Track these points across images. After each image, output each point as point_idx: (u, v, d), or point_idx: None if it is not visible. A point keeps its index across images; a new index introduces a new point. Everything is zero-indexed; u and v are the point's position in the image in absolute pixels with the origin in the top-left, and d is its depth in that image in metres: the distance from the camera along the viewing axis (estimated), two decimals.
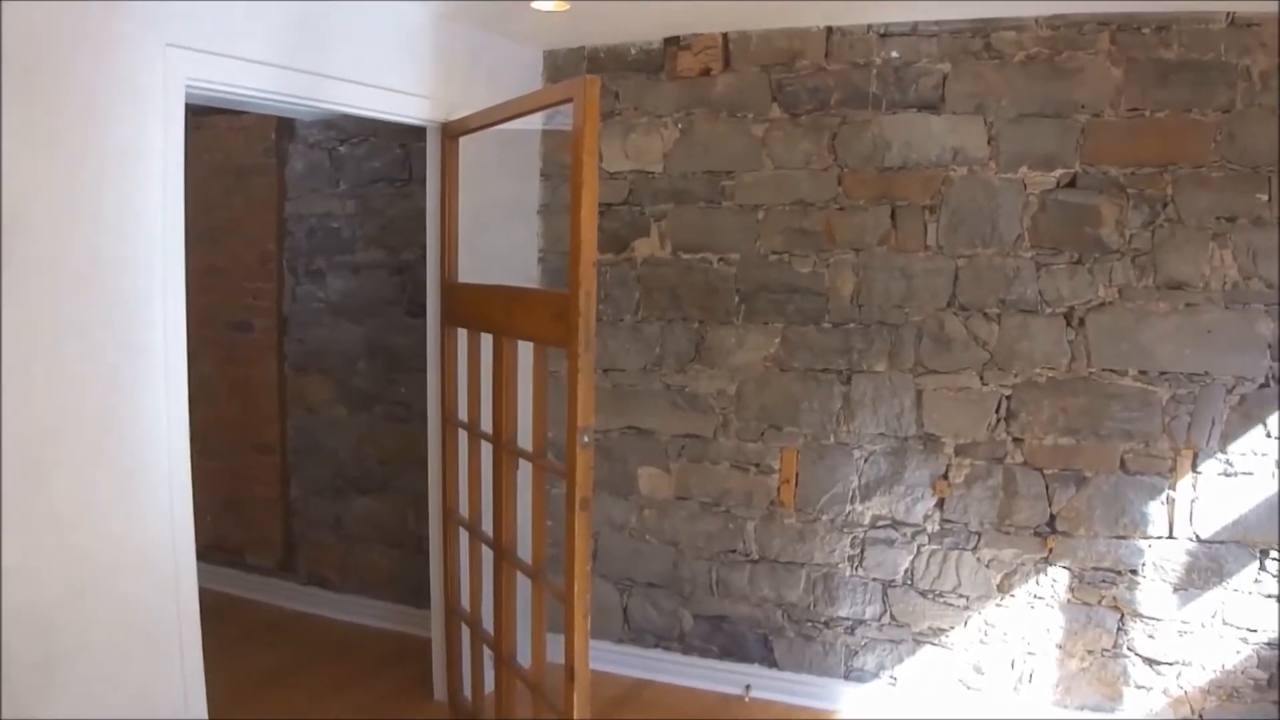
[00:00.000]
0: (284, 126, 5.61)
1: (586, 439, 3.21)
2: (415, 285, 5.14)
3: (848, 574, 4.57)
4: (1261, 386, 3.94)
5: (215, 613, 4.36)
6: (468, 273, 4.35)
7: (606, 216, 4.75)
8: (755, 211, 4.58)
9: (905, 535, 4.45)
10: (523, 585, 3.86)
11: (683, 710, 4.67)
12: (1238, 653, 4.05)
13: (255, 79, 3.47)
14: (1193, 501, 4.06)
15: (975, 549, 4.35)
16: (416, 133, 4.58)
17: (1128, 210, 4.05)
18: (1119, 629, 4.19)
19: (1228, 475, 4.01)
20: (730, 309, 4.65)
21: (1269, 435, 3.95)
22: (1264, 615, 4.00)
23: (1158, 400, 4.06)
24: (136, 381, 3.09)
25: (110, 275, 3.00)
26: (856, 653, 4.59)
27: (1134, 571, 4.14)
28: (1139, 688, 4.20)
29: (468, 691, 4.47)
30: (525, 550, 3.84)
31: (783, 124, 4.51)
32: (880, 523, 4.49)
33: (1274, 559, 3.97)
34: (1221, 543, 4.03)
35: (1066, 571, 4.23)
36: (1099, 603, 4.20)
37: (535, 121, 4.76)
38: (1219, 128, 3.94)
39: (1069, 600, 4.24)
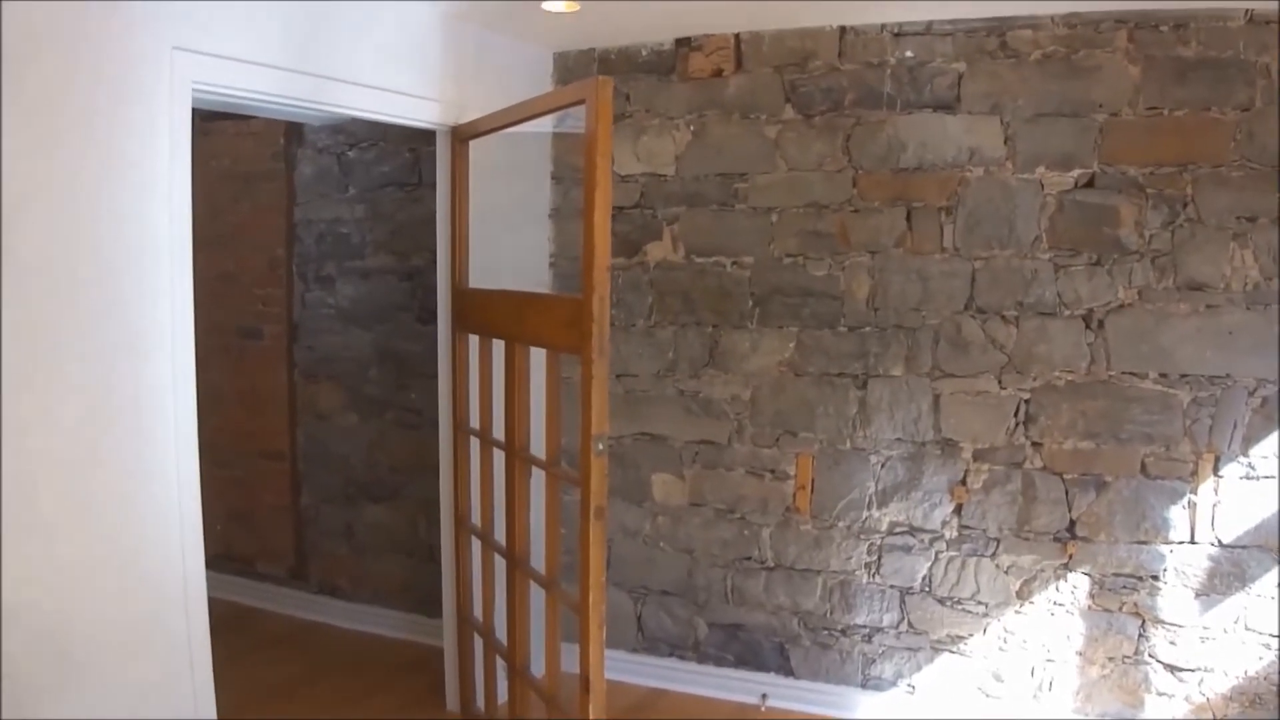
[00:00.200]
0: (292, 131, 5.58)
1: (601, 447, 3.16)
2: (425, 291, 5.10)
3: (865, 581, 4.52)
4: None
5: (226, 622, 4.35)
6: (478, 278, 4.31)
7: (618, 220, 4.70)
8: (769, 214, 4.54)
9: (923, 542, 4.40)
10: (536, 594, 3.82)
11: None
12: (1260, 659, 3.99)
13: (262, 82, 3.44)
14: (1214, 505, 4.00)
15: (994, 555, 4.30)
16: (426, 136, 4.54)
17: (1147, 210, 4.00)
18: (1140, 635, 4.13)
19: (1250, 479, 3.95)
20: (744, 313, 4.60)
21: None
22: None
23: (1178, 403, 4.01)
24: (144, 388, 3.06)
25: (116, 281, 2.96)
26: (874, 661, 4.54)
27: (1155, 577, 4.09)
28: (1160, 694, 4.14)
29: (481, 702, 4.43)
30: (538, 559, 3.80)
31: (796, 125, 4.47)
32: (898, 529, 4.44)
33: None
34: (1244, 547, 3.98)
35: (1087, 577, 4.18)
36: (1120, 609, 4.15)
37: (546, 124, 4.72)
38: (1238, 126, 3.89)
39: (1089, 607, 4.19)
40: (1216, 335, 3.95)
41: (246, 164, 5.72)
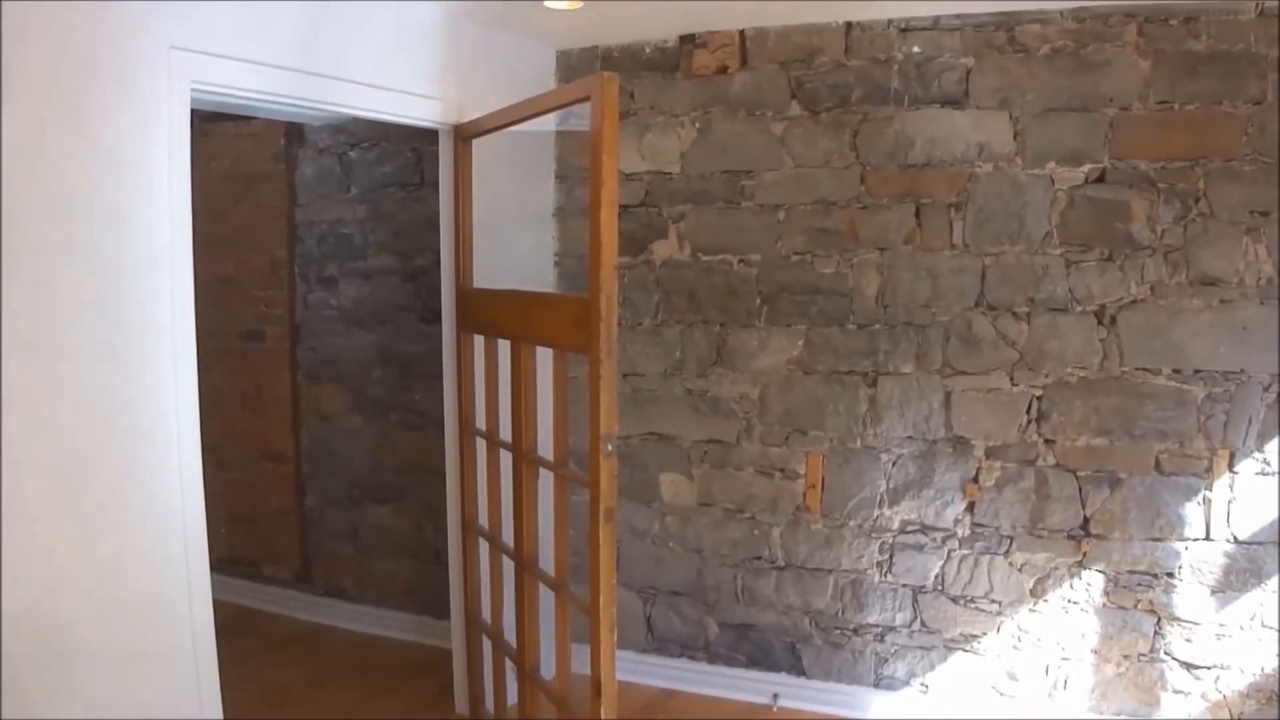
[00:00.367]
0: (293, 132, 5.55)
1: (610, 447, 3.13)
2: (429, 291, 5.07)
3: (876, 580, 4.48)
4: None
5: (232, 625, 4.32)
6: (482, 278, 4.27)
7: (623, 218, 4.65)
8: (776, 211, 4.50)
9: (935, 540, 4.37)
10: (545, 595, 3.79)
11: None
12: (1276, 655, 3.96)
13: (262, 81, 3.40)
14: (1230, 502, 3.97)
15: (1007, 553, 4.26)
16: (428, 136, 4.50)
17: (1158, 205, 3.96)
18: (1156, 633, 4.10)
19: (1265, 474, 3.92)
20: (752, 311, 4.57)
21: None
22: None
23: (1192, 399, 3.97)
24: (144, 391, 3.03)
25: (115, 283, 2.93)
26: (886, 660, 4.51)
27: (1170, 574, 4.06)
28: (1176, 692, 4.11)
29: (490, 704, 4.39)
30: (547, 560, 3.76)
31: (802, 122, 4.43)
32: (909, 527, 4.40)
33: None
34: (1259, 543, 3.94)
35: (1101, 575, 4.14)
36: (1135, 606, 4.11)
37: (549, 123, 4.69)
38: (1250, 120, 3.85)
39: (1104, 604, 4.15)
40: (1230, 330, 3.91)
41: (247, 165, 5.69)
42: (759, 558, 4.68)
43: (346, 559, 5.72)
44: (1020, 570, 4.25)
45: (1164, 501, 4.04)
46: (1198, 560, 4.01)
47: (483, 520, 4.26)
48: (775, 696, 4.68)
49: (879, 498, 4.44)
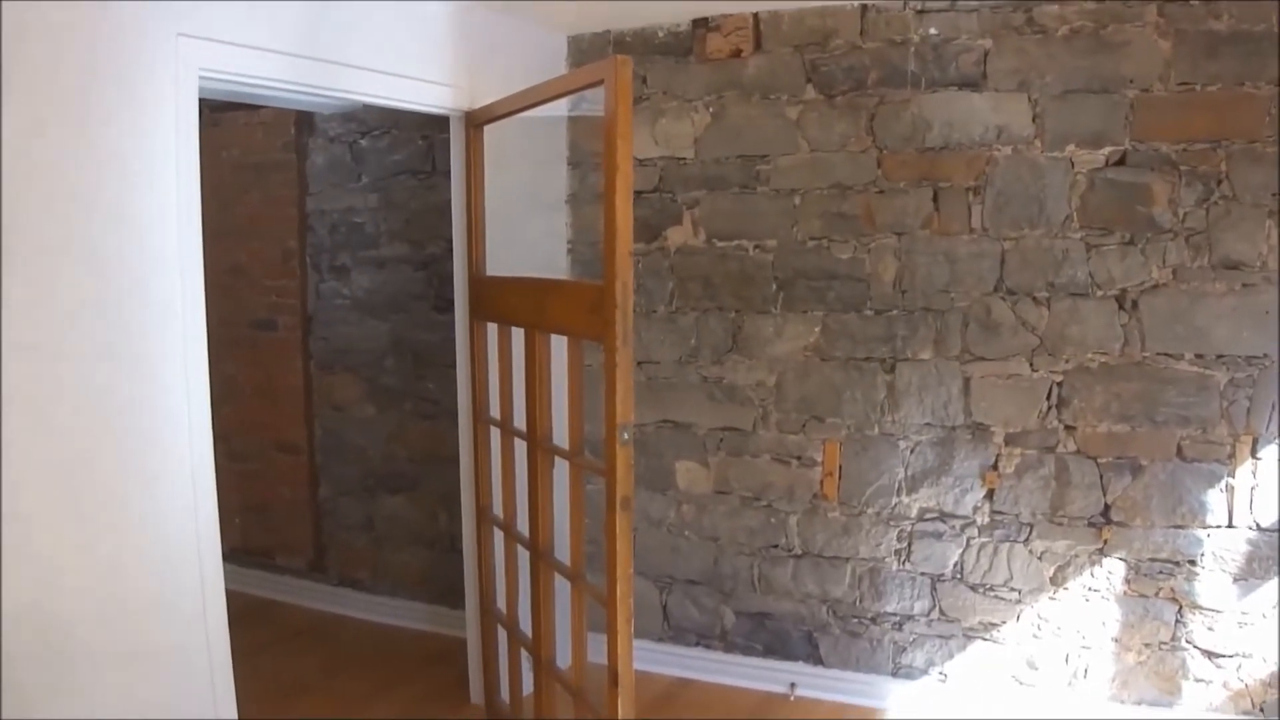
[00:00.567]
0: (303, 121, 5.52)
1: (626, 436, 3.09)
2: (441, 279, 5.05)
3: (895, 568, 4.44)
4: None
5: (246, 616, 4.31)
6: (495, 265, 4.24)
7: (637, 204, 4.61)
8: (791, 196, 4.45)
9: (954, 528, 4.32)
10: (560, 585, 3.76)
11: (727, 710, 4.57)
12: None
13: (271, 68, 3.37)
14: (1253, 489, 3.91)
15: (1027, 541, 4.22)
16: (438, 123, 4.47)
17: (1180, 188, 3.91)
18: (1177, 621, 4.06)
19: None
20: (768, 297, 4.52)
21: None
22: None
23: (1215, 384, 3.92)
24: (156, 382, 3.01)
25: (124, 274, 2.90)
26: (905, 649, 4.47)
27: (1192, 562, 4.01)
28: (1198, 681, 4.06)
29: (505, 694, 4.37)
30: (562, 550, 3.73)
31: (818, 105, 4.38)
32: (928, 515, 4.36)
33: None
34: None
35: (1122, 563, 4.10)
36: (1156, 594, 4.07)
37: (561, 108, 4.65)
38: (1273, 101, 3.78)
39: (1125, 592, 4.11)
40: (1253, 314, 3.86)
41: (257, 154, 5.67)
42: (776, 546, 4.64)
43: (360, 549, 5.70)
44: (1040, 558, 4.21)
45: (1186, 488, 3.99)
46: (1220, 548, 3.97)
47: (497, 509, 4.24)
48: (793, 686, 4.65)
49: (897, 485, 4.40)
